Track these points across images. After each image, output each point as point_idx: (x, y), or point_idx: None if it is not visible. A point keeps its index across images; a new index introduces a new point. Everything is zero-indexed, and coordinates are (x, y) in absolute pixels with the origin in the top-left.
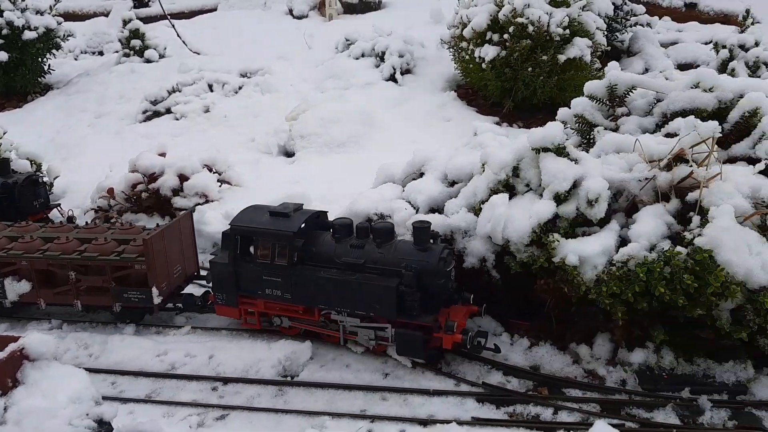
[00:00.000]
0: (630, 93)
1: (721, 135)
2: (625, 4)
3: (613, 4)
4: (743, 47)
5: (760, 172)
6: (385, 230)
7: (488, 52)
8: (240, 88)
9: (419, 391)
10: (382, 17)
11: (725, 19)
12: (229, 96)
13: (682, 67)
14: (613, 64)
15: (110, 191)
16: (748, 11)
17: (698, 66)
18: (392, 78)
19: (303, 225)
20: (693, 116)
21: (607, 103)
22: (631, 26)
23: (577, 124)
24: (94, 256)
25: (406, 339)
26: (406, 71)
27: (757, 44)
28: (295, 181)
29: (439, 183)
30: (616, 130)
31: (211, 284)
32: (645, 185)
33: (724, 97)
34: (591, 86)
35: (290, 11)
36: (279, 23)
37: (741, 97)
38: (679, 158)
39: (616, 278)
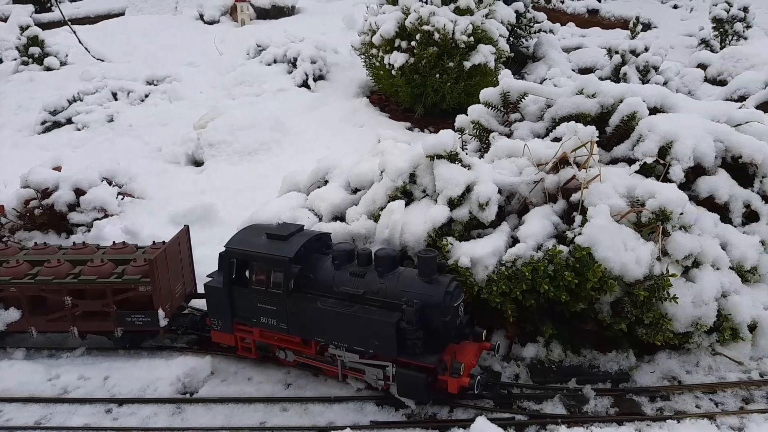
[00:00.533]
0: (522, 99)
1: (601, 139)
2: (528, 11)
3: (516, 12)
4: (634, 52)
5: (640, 171)
6: (388, 258)
7: (397, 58)
8: (146, 96)
9: (320, 399)
10: (296, 23)
11: (624, 24)
12: (135, 104)
13: (583, 71)
14: (505, 72)
15: (0, 209)
16: (638, 18)
17: (597, 70)
18: (305, 84)
19: (300, 249)
20: (575, 122)
21: (502, 109)
22: (535, 33)
23: (475, 130)
24: (93, 278)
25: (407, 380)
26: (319, 77)
27: (646, 49)
28: (202, 191)
29: (342, 191)
30: (510, 134)
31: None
32: (534, 187)
33: (606, 103)
34: (486, 93)
35: (201, 16)
36: (189, 29)
37: (621, 102)
38: (565, 161)
39: (505, 278)
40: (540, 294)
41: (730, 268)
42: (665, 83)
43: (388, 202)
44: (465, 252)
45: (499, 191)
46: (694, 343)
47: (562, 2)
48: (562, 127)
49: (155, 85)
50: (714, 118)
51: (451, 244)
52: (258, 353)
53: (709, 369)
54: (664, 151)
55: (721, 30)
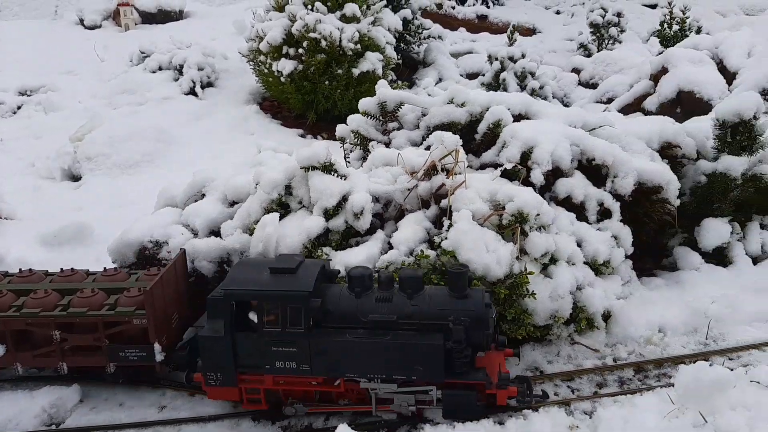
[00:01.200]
0: (399, 109)
1: (471, 146)
2: (416, 18)
3: (404, 18)
4: (512, 59)
5: (506, 176)
6: (414, 279)
7: (285, 65)
8: (19, 107)
9: (195, 419)
10: (183, 28)
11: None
12: (6, 117)
13: (470, 75)
14: (381, 83)
15: None
16: (514, 27)
17: (482, 75)
18: (192, 92)
19: (317, 282)
20: (447, 130)
21: (380, 118)
22: (425, 39)
23: (355, 139)
24: (83, 311)
25: (457, 401)
26: (207, 84)
27: (523, 56)
28: (79, 209)
29: (219, 204)
30: (389, 143)
31: (198, 362)
32: (408, 195)
33: (474, 111)
34: (365, 103)
35: (81, 21)
36: (68, 34)
37: (488, 110)
38: (435, 168)
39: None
40: None
41: (585, 262)
42: (541, 87)
43: (264, 214)
44: (340, 261)
45: (377, 199)
46: (554, 334)
47: (453, 8)
48: (432, 136)
49: (29, 95)
50: (571, 123)
51: (327, 254)
52: (267, 403)
53: (568, 358)
54: (526, 156)
55: (597, 34)
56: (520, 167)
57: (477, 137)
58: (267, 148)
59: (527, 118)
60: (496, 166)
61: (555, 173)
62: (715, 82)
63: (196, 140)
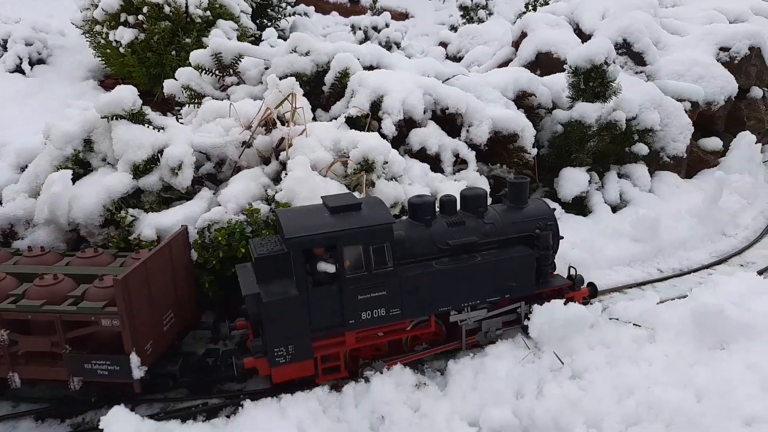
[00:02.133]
0: (238, 62)
1: (320, 99)
2: None
3: None
4: (376, 28)
5: (356, 128)
6: (477, 197)
7: (124, 34)
8: None
9: None
10: (13, 3)
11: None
12: None
13: None
14: (215, 32)
15: None
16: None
17: None
18: (19, 69)
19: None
20: (279, 77)
21: (217, 72)
22: (290, 15)
23: (187, 95)
24: (36, 305)
25: None
26: (38, 61)
27: (387, 25)
28: None
29: (10, 170)
30: (228, 99)
31: (253, 341)
32: (244, 150)
33: (320, 61)
34: (196, 56)
35: None
36: None
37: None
38: (276, 120)
39: (199, 247)
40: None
41: None
42: (410, 57)
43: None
44: (149, 223)
45: (208, 158)
46: None
47: None
48: (266, 80)
49: None
50: (425, 73)
51: (134, 216)
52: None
53: None
54: (376, 106)
55: (467, 17)
56: (368, 115)
57: (325, 89)
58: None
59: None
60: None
61: (408, 124)
62: (571, 42)
63: (21, 120)
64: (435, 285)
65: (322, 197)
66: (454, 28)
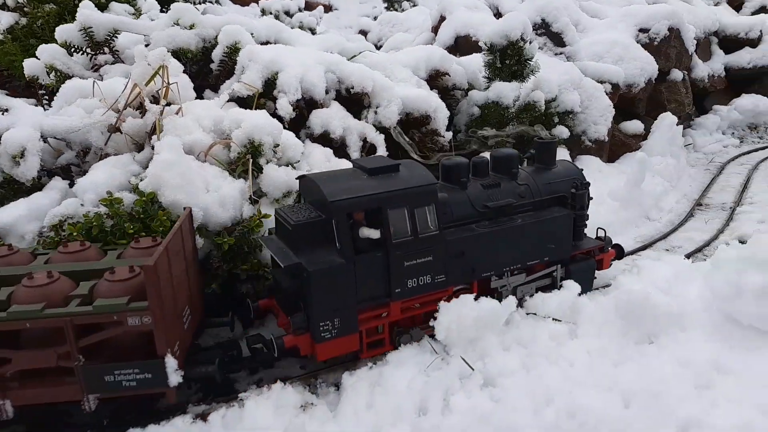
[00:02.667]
0: (114, 38)
1: (209, 78)
2: None
3: None
4: (288, 13)
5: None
6: (510, 159)
7: (1, 18)
8: None
9: None
10: None
11: (307, 5)
12: None
13: None
14: (85, 3)
15: None
16: None
17: None
18: None
19: None
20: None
21: (88, 51)
22: (201, 2)
23: (52, 77)
24: (36, 310)
25: (583, 271)
26: None
27: (300, 9)
28: None
29: None
30: (101, 81)
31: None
32: (110, 135)
33: (208, 35)
34: (63, 31)
35: None
36: None
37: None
38: (153, 99)
39: (50, 245)
40: None
41: None
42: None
43: None
44: None
45: (69, 145)
46: None
47: None
48: (133, 51)
49: None
50: (328, 49)
51: None
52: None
53: None
54: (270, 83)
55: (392, 9)
56: (259, 93)
57: (213, 67)
58: None
59: None
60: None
61: (309, 105)
62: (490, 24)
63: None
64: (479, 249)
65: (352, 161)
66: (376, 18)
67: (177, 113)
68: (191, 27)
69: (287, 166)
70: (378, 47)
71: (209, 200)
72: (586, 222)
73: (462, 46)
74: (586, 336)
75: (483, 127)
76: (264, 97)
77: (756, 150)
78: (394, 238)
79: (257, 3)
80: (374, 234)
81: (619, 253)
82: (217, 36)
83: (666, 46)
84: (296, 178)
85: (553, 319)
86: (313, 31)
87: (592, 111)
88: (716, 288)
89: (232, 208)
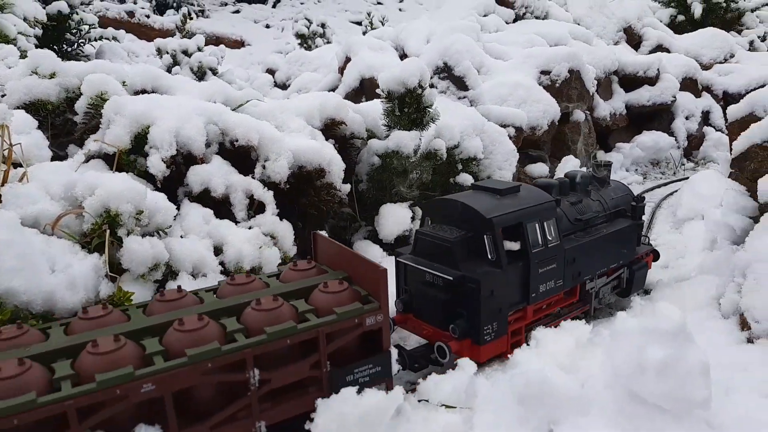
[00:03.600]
0: None
1: (74, 133)
2: (76, 12)
3: (59, 12)
4: (186, 52)
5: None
6: (585, 178)
7: None
8: None
9: None
10: None
11: (216, 41)
12: None
13: None
14: None
15: None
16: (185, 15)
17: None
18: None
19: None
20: (31, 113)
21: None
22: (96, 39)
23: None
24: (292, 327)
25: (641, 273)
26: None
27: (200, 49)
28: None
29: None
30: None
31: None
32: None
33: (70, 84)
34: None
35: None
36: None
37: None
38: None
39: None
40: None
41: (224, 271)
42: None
43: None
44: None
45: None
46: None
47: (148, 17)
48: None
49: None
50: (210, 98)
51: None
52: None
53: None
54: (141, 139)
55: (305, 45)
56: (130, 150)
57: (78, 120)
58: None
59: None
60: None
61: (187, 160)
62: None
63: None
64: (583, 255)
65: (472, 185)
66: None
67: (21, 179)
68: (52, 76)
69: (155, 233)
70: (285, 86)
71: (54, 282)
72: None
73: (368, 88)
74: (482, 426)
75: (386, 178)
76: (135, 153)
77: (659, 186)
78: (532, 249)
79: (166, 36)
80: (514, 246)
81: (656, 255)
82: (81, 85)
83: (567, 88)
84: (423, 202)
85: (446, 406)
86: (214, 71)
87: (497, 156)
88: (617, 364)
89: (83, 290)
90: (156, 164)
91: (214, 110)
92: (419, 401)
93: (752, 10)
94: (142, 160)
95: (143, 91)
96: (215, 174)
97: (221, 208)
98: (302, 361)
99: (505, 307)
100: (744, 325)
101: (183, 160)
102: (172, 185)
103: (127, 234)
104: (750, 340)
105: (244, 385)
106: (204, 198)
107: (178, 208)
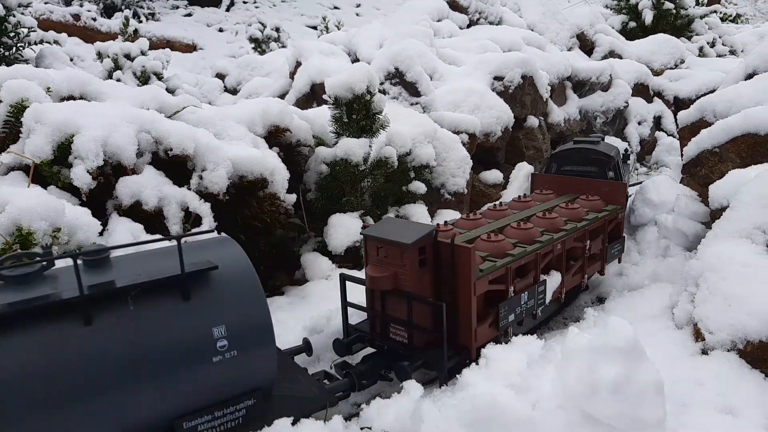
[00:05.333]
0: None
1: None
2: (12, 15)
3: None
4: (129, 56)
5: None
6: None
7: None
8: None
9: None
10: None
11: (168, 44)
12: None
13: None
14: None
15: None
16: (127, 18)
17: None
18: None
19: None
20: None
21: None
22: (36, 43)
23: None
24: (606, 213)
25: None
26: None
27: (143, 53)
28: None
29: None
30: None
31: None
32: None
33: None
34: None
35: None
36: None
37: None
38: None
39: None
40: None
41: None
42: (172, 92)
43: None
44: None
45: None
46: None
47: (95, 20)
48: None
49: None
50: (143, 105)
51: None
52: None
53: None
54: (65, 149)
55: (259, 49)
56: (52, 160)
57: None
58: None
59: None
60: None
61: (117, 171)
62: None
63: None
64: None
65: (574, 140)
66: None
67: None
68: None
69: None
70: (236, 91)
71: None
72: None
73: (318, 93)
74: None
75: (335, 186)
76: (58, 164)
77: None
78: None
79: (114, 39)
80: (611, 174)
81: None
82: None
83: (521, 94)
84: (553, 152)
85: None
86: (158, 76)
87: (450, 163)
88: (569, 383)
89: None
90: (81, 176)
91: (147, 117)
92: (362, 429)
93: (701, 17)
94: (67, 171)
95: (70, 98)
96: (147, 185)
97: (154, 221)
98: (597, 239)
99: None
100: (698, 335)
101: (112, 171)
102: (101, 198)
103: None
104: (704, 352)
105: (581, 251)
106: (135, 211)
107: (105, 223)
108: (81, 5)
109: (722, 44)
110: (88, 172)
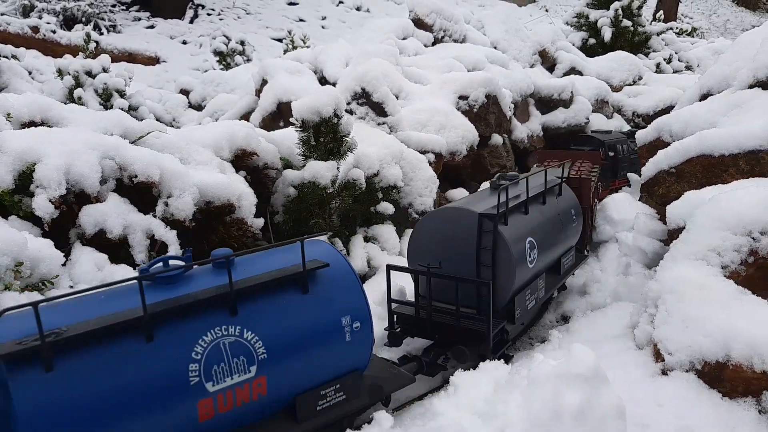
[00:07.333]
0: None
1: None
2: None
3: None
4: (90, 74)
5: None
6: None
7: None
8: None
9: None
10: None
11: (130, 57)
12: None
13: None
14: None
15: None
16: (88, 35)
17: None
18: None
19: None
20: None
21: None
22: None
23: None
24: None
25: None
26: None
27: (105, 70)
28: None
29: None
30: None
31: None
32: None
33: None
34: None
35: None
36: None
37: None
38: None
39: None
40: None
41: None
42: (135, 109)
43: None
44: None
45: None
46: None
47: (54, 32)
48: None
49: None
50: (107, 130)
51: None
52: None
53: None
54: (26, 178)
55: (224, 63)
56: (13, 190)
57: None
58: None
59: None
60: None
61: (80, 199)
62: (313, 91)
63: None
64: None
65: (592, 131)
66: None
67: None
68: None
69: (40, 285)
70: (201, 107)
71: None
72: None
73: (285, 112)
74: None
75: (302, 209)
76: (20, 193)
77: None
78: (620, 158)
79: (75, 52)
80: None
81: None
82: None
83: (485, 112)
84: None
85: None
86: (121, 94)
87: (417, 183)
88: (534, 410)
89: None
90: (42, 205)
91: (111, 144)
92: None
93: (658, 34)
94: (29, 200)
95: (32, 123)
96: (111, 214)
97: (119, 250)
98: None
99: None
100: (658, 356)
101: (75, 200)
102: (63, 227)
103: (3, 289)
104: (664, 372)
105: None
106: (99, 240)
107: (68, 254)
108: (40, 17)
109: (678, 60)
110: (50, 201)
